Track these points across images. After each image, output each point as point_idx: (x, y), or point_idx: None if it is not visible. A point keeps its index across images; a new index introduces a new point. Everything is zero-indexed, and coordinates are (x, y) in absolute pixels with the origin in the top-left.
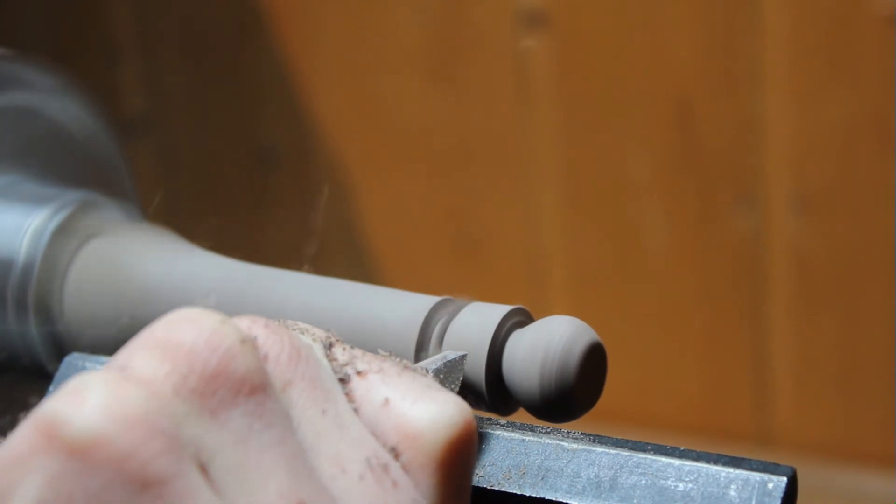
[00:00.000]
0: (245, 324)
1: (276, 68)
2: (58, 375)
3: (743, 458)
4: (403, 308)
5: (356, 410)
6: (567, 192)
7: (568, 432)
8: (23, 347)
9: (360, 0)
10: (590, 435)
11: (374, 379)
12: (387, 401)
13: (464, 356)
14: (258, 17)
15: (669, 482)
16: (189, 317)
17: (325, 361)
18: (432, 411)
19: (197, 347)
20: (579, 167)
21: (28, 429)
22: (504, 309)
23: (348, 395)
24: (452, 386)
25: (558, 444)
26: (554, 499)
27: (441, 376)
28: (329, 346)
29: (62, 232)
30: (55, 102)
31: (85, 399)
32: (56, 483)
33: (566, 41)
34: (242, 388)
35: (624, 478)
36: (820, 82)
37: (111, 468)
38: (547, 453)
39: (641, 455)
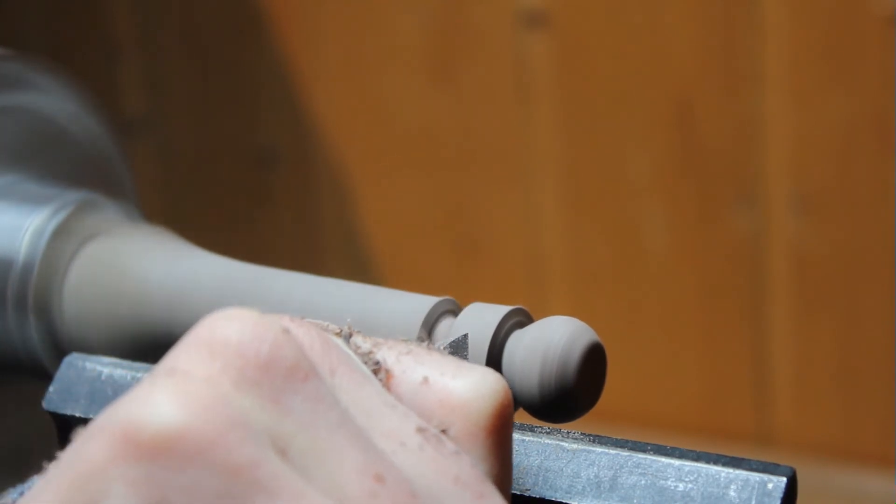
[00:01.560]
0: (282, 322)
1: (276, 68)
2: (58, 375)
3: (743, 459)
4: (403, 308)
5: (394, 393)
6: (567, 192)
7: (568, 432)
8: (23, 347)
9: (360, 0)
10: (589, 435)
11: (407, 360)
12: (426, 379)
13: (465, 335)
14: (258, 17)
15: (669, 482)
16: (227, 315)
17: (350, 350)
18: (475, 382)
19: (244, 341)
20: (579, 167)
21: (98, 438)
22: (504, 309)
23: (385, 380)
24: None
25: (558, 445)
26: (554, 499)
27: (453, 353)
28: (348, 337)
29: (62, 232)
30: (55, 102)
31: (152, 400)
32: (144, 487)
33: (566, 41)
34: (297, 375)
35: (624, 478)
36: (820, 82)
37: (198, 460)
38: (546, 453)
39: (641, 455)
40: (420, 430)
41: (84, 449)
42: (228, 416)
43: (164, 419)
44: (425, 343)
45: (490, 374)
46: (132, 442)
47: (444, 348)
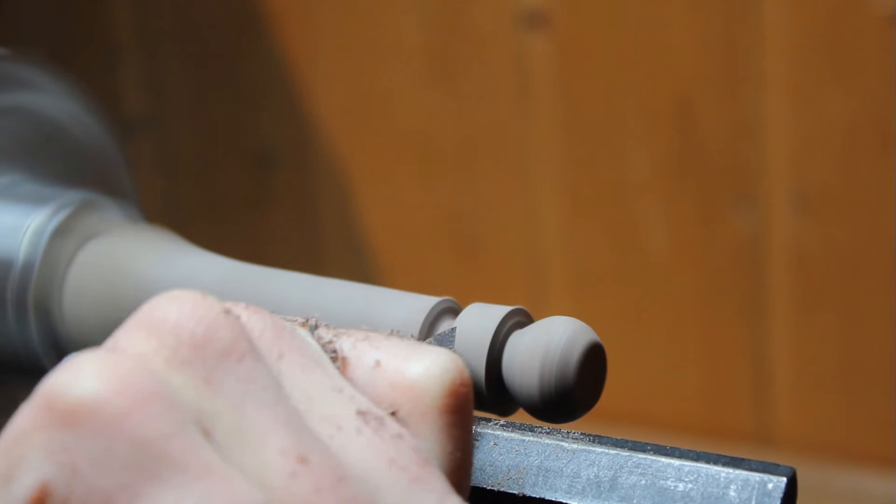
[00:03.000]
0: (227, 305)
1: (276, 68)
2: None
3: (743, 459)
4: (403, 308)
5: (350, 378)
6: (567, 192)
7: (568, 432)
8: (23, 347)
9: (360, 0)
10: (589, 435)
11: (362, 346)
12: (378, 363)
13: (453, 329)
14: (258, 18)
15: (669, 482)
16: (170, 296)
17: (310, 339)
18: (426, 362)
19: (182, 321)
20: (579, 167)
21: (27, 407)
22: (504, 309)
23: (341, 366)
24: None
25: (558, 445)
26: (554, 499)
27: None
28: (314, 328)
29: (62, 232)
30: (55, 102)
31: (79, 371)
32: (57, 455)
33: (566, 41)
34: (232, 355)
35: (624, 478)
36: (820, 82)
37: (110, 430)
38: (546, 453)
39: (641, 455)
40: (361, 413)
41: (18, 415)
42: (145, 390)
43: (82, 389)
44: (389, 331)
45: (444, 353)
46: (51, 410)
47: (429, 341)
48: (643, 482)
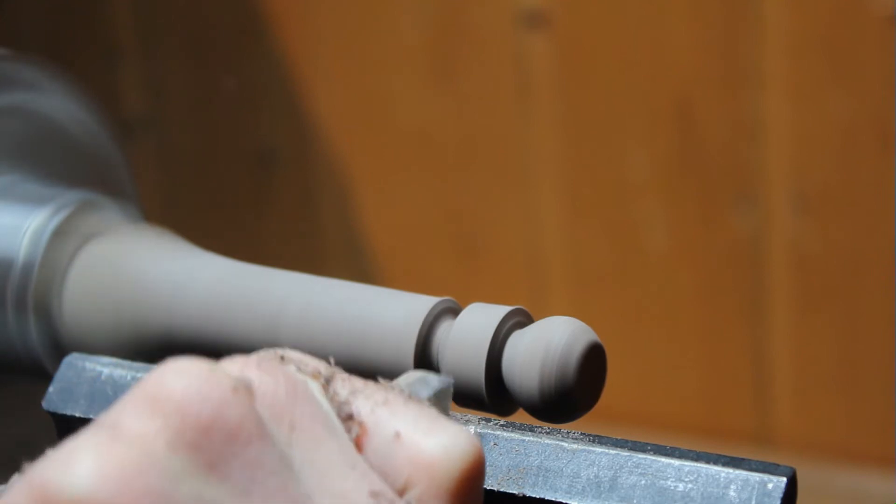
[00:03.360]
0: (237, 367)
1: (276, 68)
2: (58, 375)
3: (743, 459)
4: (403, 308)
5: (366, 447)
6: (567, 192)
7: (567, 432)
8: (23, 347)
9: (360, 0)
10: (589, 435)
11: (382, 413)
12: (398, 434)
13: (451, 383)
14: (258, 18)
15: (669, 482)
16: (177, 367)
17: (323, 399)
18: (445, 443)
19: (187, 398)
20: (579, 167)
21: (18, 490)
22: (504, 309)
23: (358, 432)
24: (444, 413)
25: (558, 445)
26: (554, 499)
27: (434, 403)
28: (328, 381)
29: (62, 232)
30: (55, 102)
31: (76, 461)
32: None
33: (566, 41)
34: (239, 438)
35: (624, 478)
36: (820, 82)
37: None
38: (546, 453)
39: (641, 455)
40: (374, 494)
41: (6, 496)
42: (147, 485)
43: (79, 485)
44: (405, 393)
45: (463, 434)
46: (45, 501)
47: (430, 396)
48: (643, 482)
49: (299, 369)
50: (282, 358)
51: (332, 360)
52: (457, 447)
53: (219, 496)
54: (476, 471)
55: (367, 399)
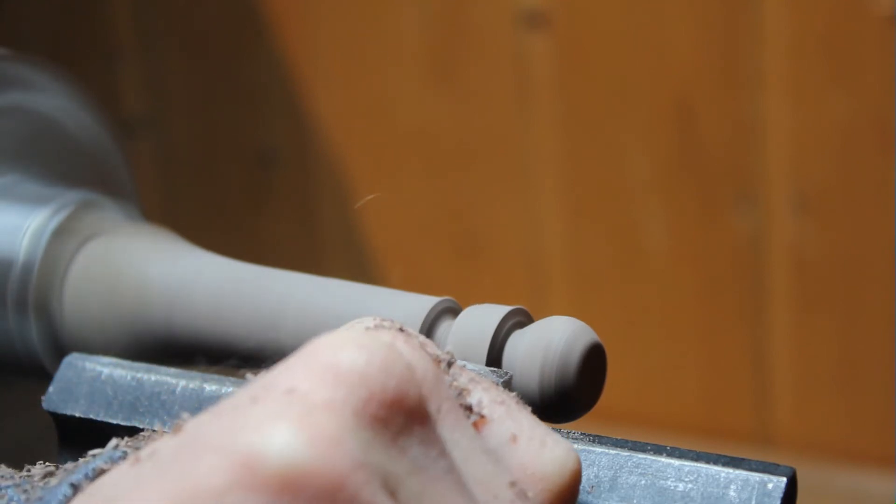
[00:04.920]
0: (388, 338)
1: (276, 68)
2: (58, 375)
3: (743, 459)
4: (403, 308)
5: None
6: (567, 192)
7: (568, 432)
8: (23, 347)
9: (360, 0)
10: (590, 435)
11: (499, 411)
12: (514, 437)
13: (511, 378)
14: (258, 18)
15: (669, 482)
16: (354, 340)
17: (449, 384)
18: (559, 459)
19: (372, 373)
20: (579, 167)
21: (216, 459)
22: (504, 309)
23: (477, 424)
24: None
25: None
26: None
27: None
28: (448, 365)
29: (62, 232)
30: (55, 102)
31: (276, 427)
32: None
33: (566, 41)
34: (416, 417)
35: (624, 478)
36: (820, 82)
37: (322, 501)
38: None
39: (641, 455)
40: (513, 484)
41: (196, 464)
42: (353, 457)
43: (290, 453)
44: (515, 394)
45: (572, 451)
46: (254, 472)
47: (496, 381)
48: (643, 482)
49: (422, 346)
50: (405, 332)
51: (449, 350)
52: (569, 463)
53: (399, 470)
54: (578, 486)
55: (485, 392)
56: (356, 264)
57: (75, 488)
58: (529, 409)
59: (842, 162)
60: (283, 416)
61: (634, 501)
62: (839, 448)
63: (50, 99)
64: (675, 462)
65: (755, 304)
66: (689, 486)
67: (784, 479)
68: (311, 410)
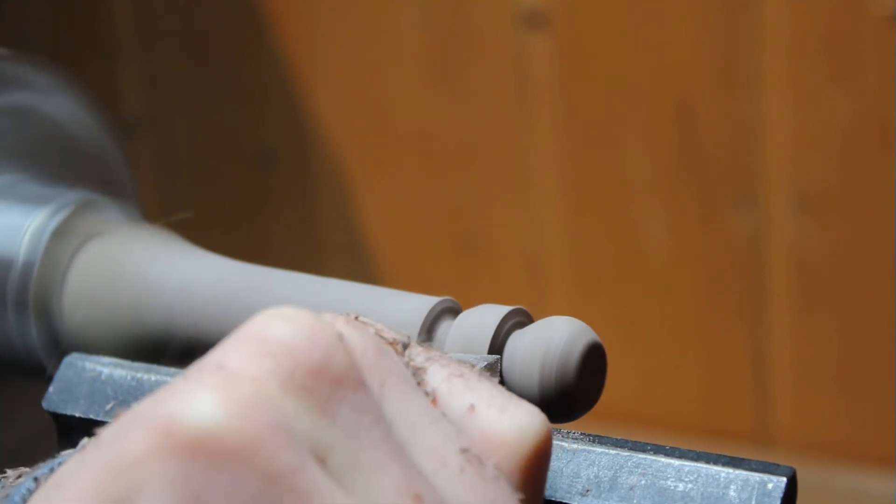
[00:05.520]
0: (328, 319)
1: (276, 68)
2: (58, 375)
3: (743, 459)
4: (403, 308)
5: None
6: (567, 192)
7: (568, 432)
8: (23, 347)
9: (360, 0)
10: (589, 435)
11: (457, 383)
12: (472, 407)
13: (498, 359)
14: (258, 18)
15: (669, 482)
16: (283, 314)
17: (401, 361)
18: (521, 422)
19: (297, 343)
20: (579, 167)
21: (139, 429)
22: (504, 309)
23: (431, 397)
24: None
25: (558, 444)
26: (554, 499)
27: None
28: (404, 347)
29: (62, 232)
30: (55, 102)
31: (196, 395)
32: (179, 485)
33: (566, 41)
34: (346, 384)
35: (624, 478)
36: (820, 82)
37: (238, 463)
38: None
39: (641, 455)
40: (463, 451)
41: (123, 437)
42: (272, 420)
43: (205, 416)
44: (476, 368)
45: (536, 415)
46: (173, 438)
47: (481, 369)
48: (643, 482)
49: (377, 333)
50: (358, 320)
51: (405, 334)
52: (532, 426)
53: (331, 437)
54: (547, 450)
55: (442, 368)
56: (356, 264)
57: (38, 482)
58: (497, 380)
59: (842, 162)
60: (206, 386)
61: (634, 501)
62: (839, 448)
63: (50, 99)
64: (675, 462)
65: (755, 304)
66: (689, 486)
67: (784, 479)
68: (234, 379)
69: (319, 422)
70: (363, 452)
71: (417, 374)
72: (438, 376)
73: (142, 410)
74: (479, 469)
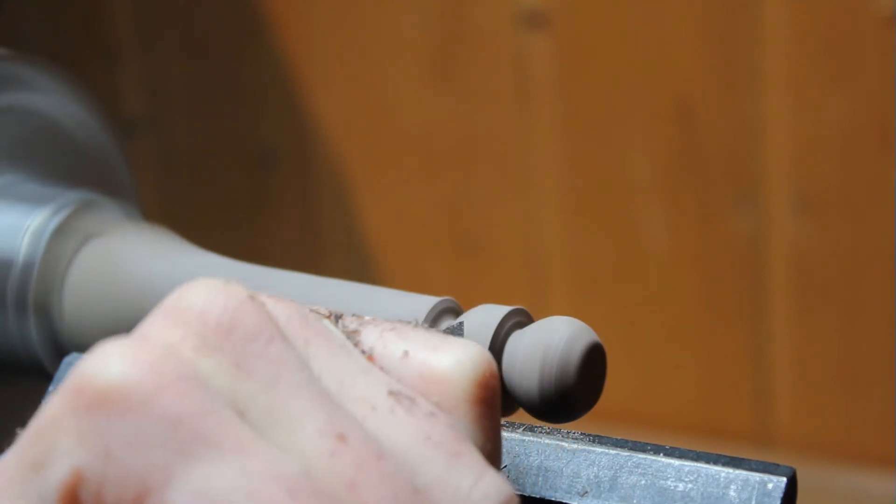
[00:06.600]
0: (251, 292)
1: (276, 68)
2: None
3: (743, 459)
4: (403, 308)
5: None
6: (567, 192)
7: (568, 432)
8: (23, 347)
9: (361, 0)
10: (589, 435)
11: (389, 336)
12: (406, 353)
13: (461, 323)
14: (258, 18)
15: (669, 482)
16: (195, 284)
17: (334, 328)
18: (456, 354)
19: (208, 307)
20: (579, 167)
21: (57, 393)
22: (504, 309)
23: (367, 356)
24: None
25: (558, 445)
26: (553, 499)
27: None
28: (337, 318)
29: (62, 232)
30: (55, 102)
31: (107, 357)
32: (89, 439)
33: (566, 41)
34: (260, 338)
35: (623, 478)
36: (820, 82)
37: (139, 410)
38: (546, 453)
39: (641, 455)
40: (392, 393)
41: (46, 404)
42: (174, 371)
43: (110, 373)
44: (413, 322)
45: (471, 345)
46: (81, 395)
47: (420, 322)
48: (643, 482)
49: (312, 310)
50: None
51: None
52: (467, 357)
53: (248, 390)
54: (490, 377)
55: (375, 326)
56: (356, 264)
57: None
58: (434, 329)
59: (842, 162)
60: (118, 350)
61: (634, 501)
62: (839, 448)
63: (50, 99)
64: (675, 462)
65: (755, 304)
66: (689, 486)
67: (784, 479)
68: (147, 345)
69: (235, 377)
70: (282, 400)
71: (352, 336)
72: (372, 335)
73: (68, 377)
74: (411, 407)
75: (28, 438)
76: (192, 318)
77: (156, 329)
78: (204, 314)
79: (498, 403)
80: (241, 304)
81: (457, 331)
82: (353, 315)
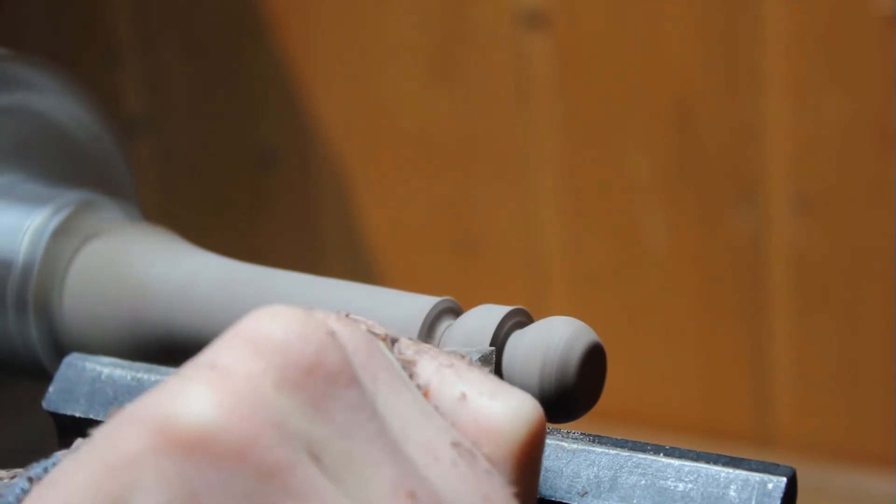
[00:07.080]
0: (322, 317)
1: (276, 68)
2: (58, 375)
3: (743, 459)
4: (403, 308)
5: (432, 404)
6: (567, 192)
7: (568, 432)
8: (23, 347)
9: (361, 0)
10: (589, 435)
11: (447, 374)
12: (464, 395)
13: (493, 350)
14: (258, 18)
15: (669, 482)
16: (274, 312)
17: (391, 355)
18: (512, 407)
19: (290, 341)
20: (579, 167)
21: (133, 427)
22: (504, 309)
23: (423, 390)
24: None
25: (558, 445)
26: (554, 498)
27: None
28: (393, 342)
29: (62, 232)
30: (55, 102)
31: (189, 393)
32: (174, 483)
33: (566, 41)
34: (340, 381)
35: (624, 478)
36: (820, 82)
37: (232, 460)
38: (547, 453)
39: (641, 455)
40: (455, 444)
41: (117, 436)
42: (266, 417)
43: (200, 414)
44: (467, 358)
45: (528, 400)
46: (167, 435)
47: (475, 360)
48: (643, 482)
49: (368, 329)
50: (350, 317)
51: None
52: (523, 412)
53: (324, 435)
54: (541, 436)
55: (432, 359)
56: (356, 264)
57: (32, 481)
58: (488, 369)
59: (842, 162)
60: (199, 383)
61: (634, 501)
62: (839, 448)
63: (50, 99)
64: (675, 462)
65: (755, 304)
66: (689, 486)
67: (784, 479)
68: (227, 377)
69: (313, 419)
70: (357, 449)
71: (408, 367)
72: (429, 368)
73: (135, 409)
74: (471, 462)
75: (102, 471)
76: (273, 351)
77: (231, 358)
78: (285, 347)
79: (541, 459)
80: (323, 339)
81: (489, 358)
82: (409, 339)
